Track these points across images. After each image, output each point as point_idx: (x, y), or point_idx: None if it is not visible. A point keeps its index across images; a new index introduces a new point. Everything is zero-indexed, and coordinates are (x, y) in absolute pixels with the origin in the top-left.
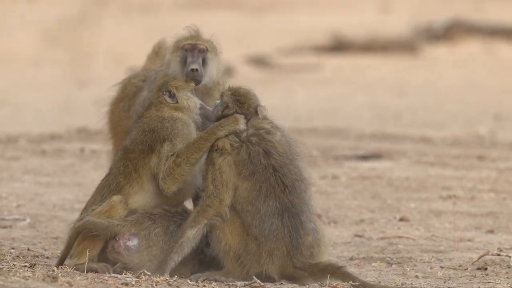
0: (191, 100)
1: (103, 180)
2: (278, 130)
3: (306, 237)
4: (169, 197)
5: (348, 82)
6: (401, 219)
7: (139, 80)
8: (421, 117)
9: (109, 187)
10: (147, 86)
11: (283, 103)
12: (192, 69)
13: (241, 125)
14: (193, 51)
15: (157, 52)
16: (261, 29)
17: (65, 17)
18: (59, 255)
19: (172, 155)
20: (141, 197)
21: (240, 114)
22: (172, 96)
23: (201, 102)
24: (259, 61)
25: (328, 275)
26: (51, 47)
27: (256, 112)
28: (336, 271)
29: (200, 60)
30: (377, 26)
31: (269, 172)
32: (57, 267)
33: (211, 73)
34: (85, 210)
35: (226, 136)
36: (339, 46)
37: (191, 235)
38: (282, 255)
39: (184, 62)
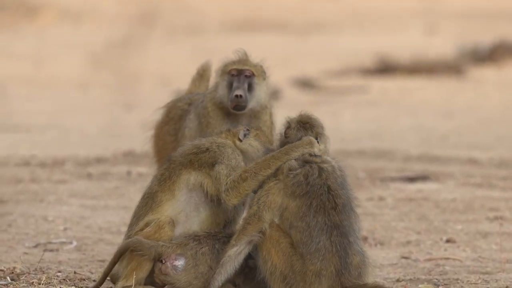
0: (253, 148)
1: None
2: (340, 169)
3: (354, 257)
4: (200, 213)
5: (394, 104)
6: (447, 241)
7: (184, 103)
8: (467, 139)
9: (144, 196)
10: (193, 109)
11: (329, 125)
12: (236, 95)
13: (316, 148)
14: (239, 76)
15: (201, 74)
16: (307, 52)
17: (111, 40)
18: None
19: (236, 172)
20: (171, 206)
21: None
22: (245, 135)
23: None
24: (306, 84)
25: None
26: (97, 71)
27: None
28: None
29: (246, 86)
30: (423, 48)
31: (323, 190)
32: None
33: (258, 97)
34: (129, 228)
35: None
36: (385, 68)
37: (232, 253)
38: (331, 275)
39: (230, 87)
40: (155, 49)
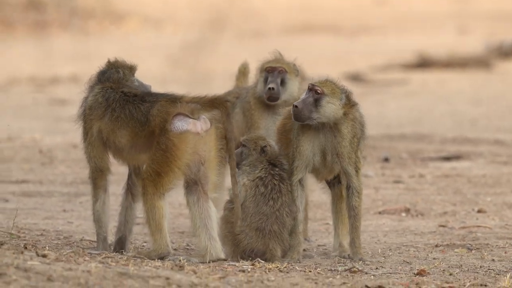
0: None
1: None
2: None
3: None
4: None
5: (431, 94)
6: (479, 211)
7: (232, 97)
8: (494, 123)
9: None
10: (238, 104)
11: (376, 112)
12: (269, 88)
13: None
14: (273, 72)
15: (243, 72)
16: (357, 50)
17: (186, 43)
18: (185, 247)
19: None
20: None
21: None
22: None
23: None
24: (355, 77)
25: None
26: (175, 69)
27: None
28: None
29: (279, 80)
30: (456, 46)
31: None
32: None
33: (291, 91)
34: None
35: None
36: (423, 63)
37: None
38: None
39: (266, 82)
40: (225, 51)
